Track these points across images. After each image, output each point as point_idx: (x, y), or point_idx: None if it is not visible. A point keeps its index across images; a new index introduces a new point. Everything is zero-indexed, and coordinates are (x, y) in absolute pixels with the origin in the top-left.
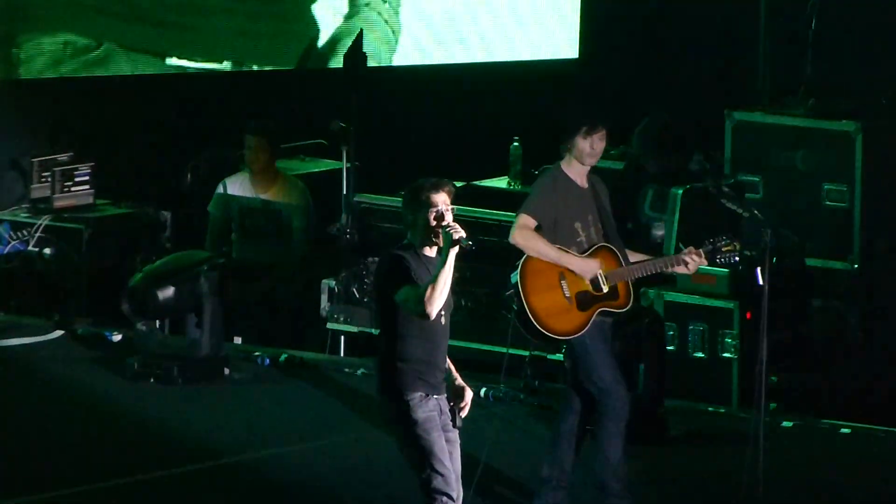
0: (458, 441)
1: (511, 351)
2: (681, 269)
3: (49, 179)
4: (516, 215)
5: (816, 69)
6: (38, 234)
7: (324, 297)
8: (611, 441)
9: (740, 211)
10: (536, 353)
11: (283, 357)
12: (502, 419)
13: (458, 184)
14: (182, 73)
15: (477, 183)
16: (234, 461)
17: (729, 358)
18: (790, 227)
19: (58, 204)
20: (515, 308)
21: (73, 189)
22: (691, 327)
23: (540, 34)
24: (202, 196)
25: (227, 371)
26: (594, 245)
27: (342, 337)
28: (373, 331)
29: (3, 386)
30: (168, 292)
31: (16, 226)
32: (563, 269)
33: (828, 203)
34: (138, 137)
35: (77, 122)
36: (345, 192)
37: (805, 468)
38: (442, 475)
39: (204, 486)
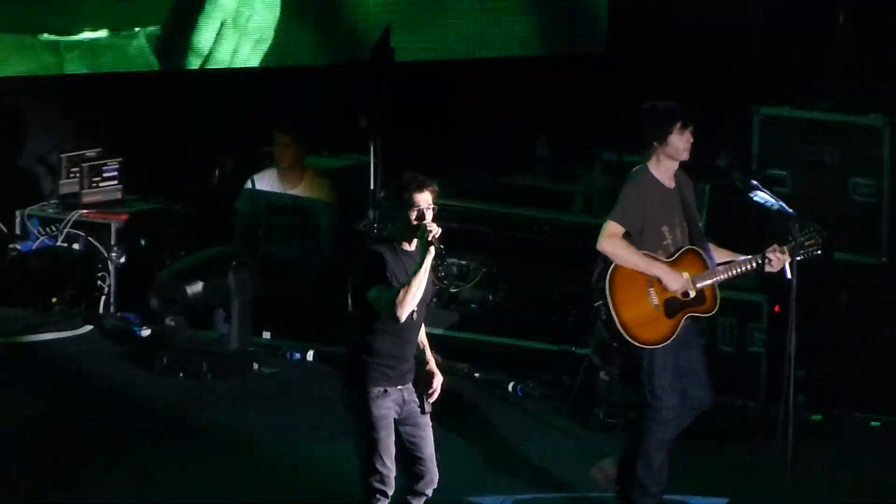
0: (429, 424)
1: (539, 346)
2: (767, 268)
3: (77, 175)
4: (604, 222)
5: (844, 63)
6: (66, 230)
7: (351, 294)
8: (656, 446)
9: (768, 206)
10: (564, 347)
11: (311, 352)
12: (531, 414)
13: (485, 179)
14: (210, 70)
15: (504, 178)
16: (263, 455)
17: (757, 352)
18: (818, 222)
19: (86, 199)
20: (603, 318)
21: (101, 185)
22: (720, 321)
23: (566, 27)
24: (230, 192)
25: (255, 366)
26: (680, 248)
27: None
28: None
29: (32, 380)
30: (196, 287)
31: (44, 222)
32: (651, 277)
33: (856, 197)
34: (166, 133)
35: (105, 119)
36: (371, 188)
37: (834, 461)
38: (380, 473)
39: (235, 480)
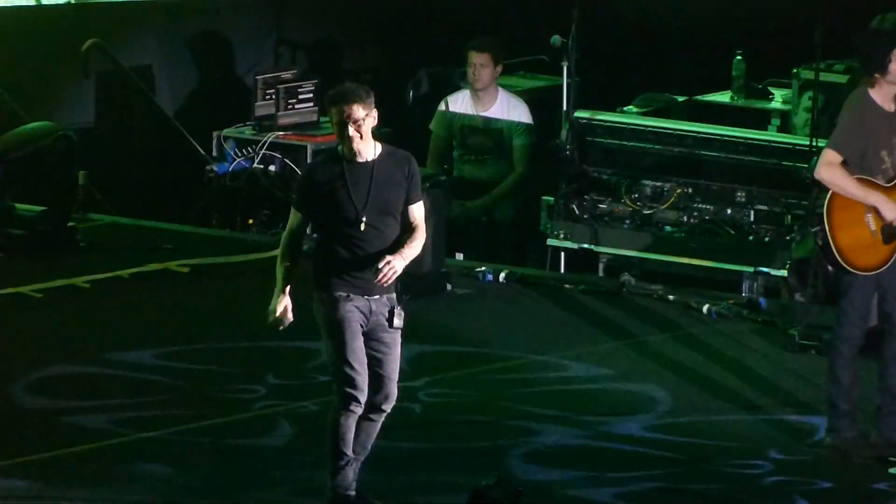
0: (397, 342)
1: (734, 267)
2: None
3: (273, 97)
4: (824, 149)
5: None
6: (262, 152)
7: (544, 214)
8: (842, 363)
9: None
10: (760, 269)
11: (504, 273)
12: (727, 336)
13: (680, 98)
14: None
15: (699, 97)
16: (454, 376)
17: None
18: None
19: (282, 121)
20: (821, 243)
21: (296, 107)
22: None
23: None
24: (424, 113)
25: (449, 287)
26: None
27: (562, 253)
28: (593, 247)
29: (227, 302)
30: None
31: (241, 143)
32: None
33: None
34: (361, 53)
35: (300, 39)
36: (564, 109)
37: None
38: (349, 376)
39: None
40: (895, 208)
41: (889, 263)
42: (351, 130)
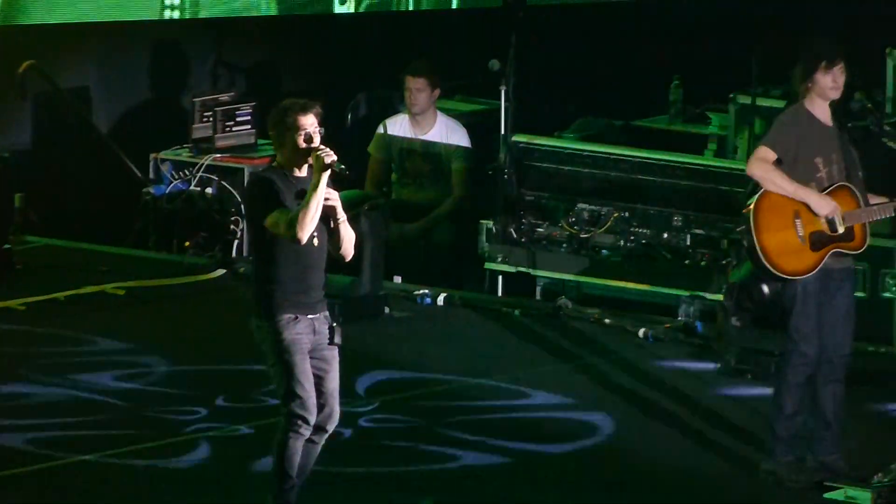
0: (336, 359)
1: (670, 291)
2: None
3: (211, 119)
4: (755, 147)
5: None
6: (199, 174)
7: (482, 238)
8: (786, 390)
9: None
10: (696, 293)
11: (442, 296)
12: (663, 360)
13: (618, 123)
14: (340, 14)
15: (636, 122)
16: (393, 399)
17: (890, 298)
18: None
19: (219, 144)
20: (746, 245)
21: (234, 129)
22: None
23: None
24: (362, 136)
25: (387, 310)
26: (834, 183)
27: (500, 276)
28: (531, 271)
29: (166, 324)
30: None
31: (178, 165)
32: (798, 207)
33: None
34: (299, 78)
35: (239, 62)
36: (502, 133)
37: None
38: (300, 398)
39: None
40: (827, 204)
41: (815, 272)
42: (317, 138)
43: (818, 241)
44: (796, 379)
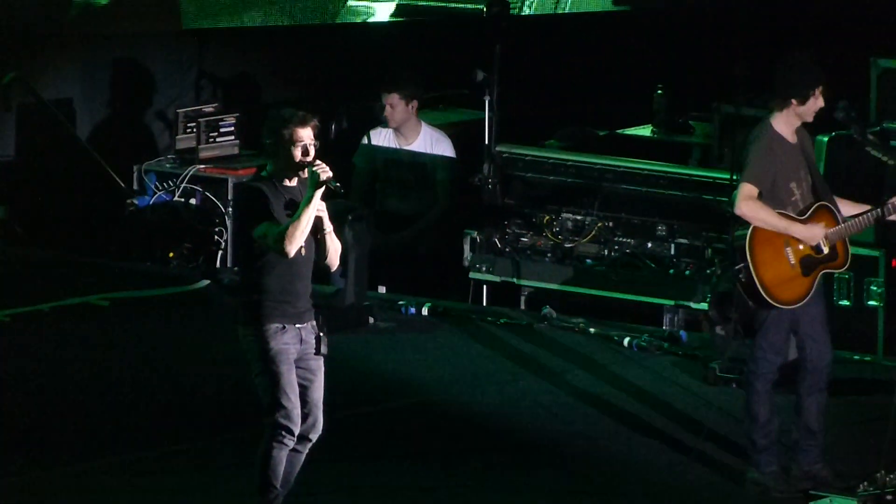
0: (322, 369)
1: (654, 301)
2: (890, 217)
3: (194, 130)
4: (738, 185)
5: None
6: (183, 185)
7: (466, 247)
8: (757, 399)
9: (885, 158)
10: (680, 302)
11: (426, 306)
12: (648, 369)
13: (602, 132)
14: (324, 24)
15: (620, 131)
16: (378, 409)
17: (875, 306)
18: None
19: (203, 155)
20: (744, 280)
21: (218, 140)
22: (836, 275)
23: None
24: (346, 147)
25: (371, 320)
26: (809, 204)
27: (484, 286)
28: (515, 280)
29: (149, 335)
30: None
31: (161, 177)
32: (787, 236)
33: None
34: (282, 88)
35: (222, 74)
36: (487, 143)
37: None
38: (285, 408)
39: (354, 430)
40: (814, 235)
41: (809, 296)
42: (312, 151)
43: (808, 266)
44: (765, 387)
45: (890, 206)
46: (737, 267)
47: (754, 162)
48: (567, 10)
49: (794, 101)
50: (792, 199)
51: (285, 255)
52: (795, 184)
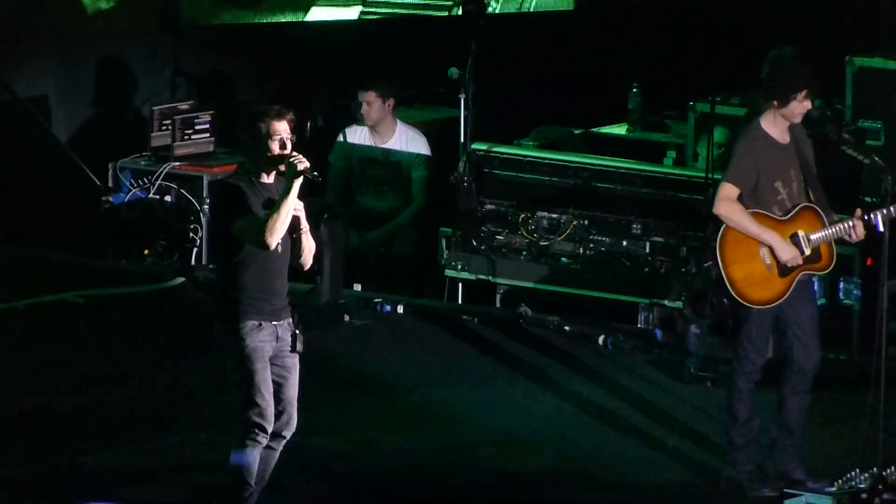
0: (297, 366)
1: (629, 299)
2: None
3: (169, 128)
4: (719, 184)
5: None
6: (158, 182)
7: (442, 246)
8: (738, 398)
9: (861, 158)
10: (655, 300)
11: (402, 304)
12: (623, 367)
13: (577, 131)
14: (299, 22)
15: (595, 130)
16: (353, 406)
17: (850, 305)
18: None
19: (178, 152)
20: (715, 277)
21: (193, 137)
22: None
23: None
24: (321, 145)
25: (347, 317)
26: (796, 204)
27: (460, 284)
28: (490, 279)
29: (124, 333)
30: None
31: (137, 174)
32: None
33: None
34: (258, 86)
35: (197, 71)
36: (462, 141)
37: None
38: (259, 406)
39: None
40: (789, 249)
41: (786, 296)
42: (289, 144)
43: (786, 268)
44: (747, 386)
45: (875, 214)
46: (706, 264)
47: (736, 162)
48: (531, 10)
49: (774, 102)
50: (777, 199)
51: (266, 247)
52: (782, 183)
